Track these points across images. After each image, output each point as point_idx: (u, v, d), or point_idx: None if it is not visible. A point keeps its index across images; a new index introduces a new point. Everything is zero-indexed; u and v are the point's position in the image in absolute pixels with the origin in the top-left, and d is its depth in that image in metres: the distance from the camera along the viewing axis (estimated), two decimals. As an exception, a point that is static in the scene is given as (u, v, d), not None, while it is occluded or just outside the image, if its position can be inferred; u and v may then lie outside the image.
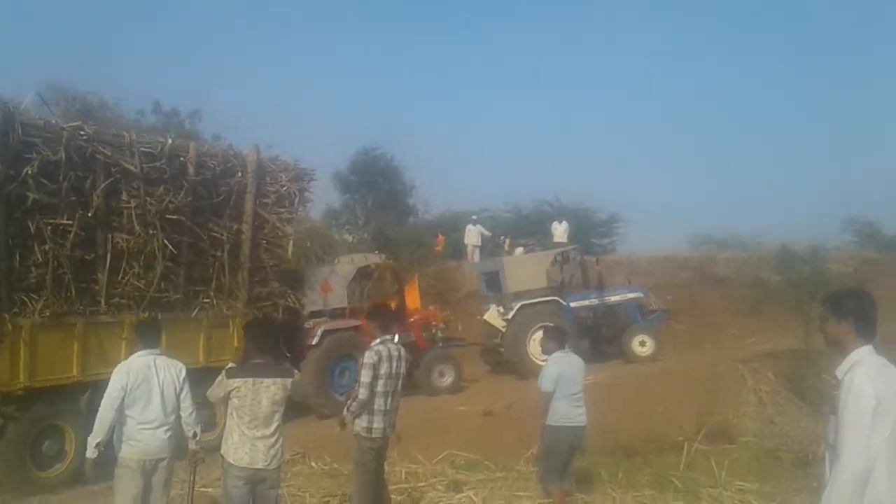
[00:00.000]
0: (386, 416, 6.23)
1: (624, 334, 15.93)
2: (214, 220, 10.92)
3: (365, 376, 6.13)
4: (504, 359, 15.81)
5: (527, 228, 27.08)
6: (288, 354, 10.89)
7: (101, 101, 24.61)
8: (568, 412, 6.90)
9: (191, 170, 10.49)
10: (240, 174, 11.15)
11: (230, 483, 5.28)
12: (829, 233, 31.82)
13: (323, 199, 24.17)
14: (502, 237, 22.17)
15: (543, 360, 14.40)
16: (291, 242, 11.98)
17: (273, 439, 5.30)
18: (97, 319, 9.63)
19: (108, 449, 5.62)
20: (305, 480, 8.65)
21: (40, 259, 9.01)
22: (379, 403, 6.17)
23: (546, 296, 15.99)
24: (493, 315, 15.98)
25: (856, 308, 3.61)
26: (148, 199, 9.99)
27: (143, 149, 9.98)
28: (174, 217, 10.34)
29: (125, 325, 9.76)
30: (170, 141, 10.33)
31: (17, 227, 8.84)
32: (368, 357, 6.19)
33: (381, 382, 6.15)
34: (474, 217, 21.67)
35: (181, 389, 5.77)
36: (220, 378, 5.36)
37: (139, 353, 5.79)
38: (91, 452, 5.48)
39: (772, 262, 20.42)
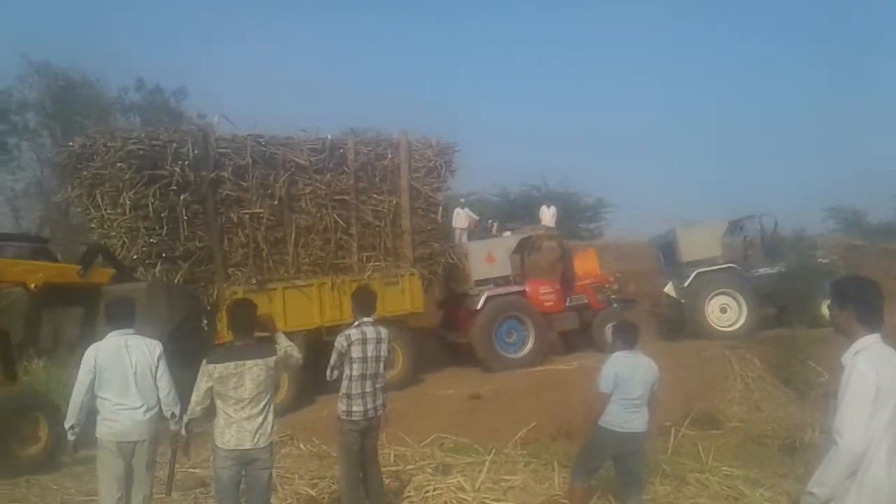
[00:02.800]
0: (365, 398, 6.15)
1: (810, 301, 15.53)
2: (375, 196, 13.18)
3: (332, 358, 6.14)
4: (683, 324, 16.18)
5: (514, 212, 26.83)
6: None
7: (83, 77, 26.01)
8: (620, 416, 6.24)
9: (350, 158, 12.84)
10: (390, 155, 13.31)
11: (219, 464, 5.21)
12: (814, 220, 30.09)
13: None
14: (490, 221, 22.20)
15: (721, 326, 15.08)
16: (441, 209, 13.88)
17: (261, 419, 5.21)
18: (292, 284, 12.26)
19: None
20: (294, 462, 8.55)
21: (243, 241, 11.81)
22: (356, 387, 6.11)
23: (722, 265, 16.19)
24: (670, 288, 16.67)
25: (857, 296, 3.61)
26: (318, 185, 12.47)
27: (309, 146, 12.49)
28: (341, 197, 12.76)
29: (314, 286, 12.41)
30: (329, 137, 12.73)
31: (223, 218, 11.69)
32: (337, 341, 6.13)
33: (355, 366, 6.08)
34: (462, 200, 21.23)
35: (157, 368, 5.61)
36: (202, 368, 5.24)
37: (110, 334, 5.63)
38: (69, 435, 5.48)
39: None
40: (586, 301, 15.77)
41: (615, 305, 15.95)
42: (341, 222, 12.76)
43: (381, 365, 6.25)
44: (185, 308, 11.15)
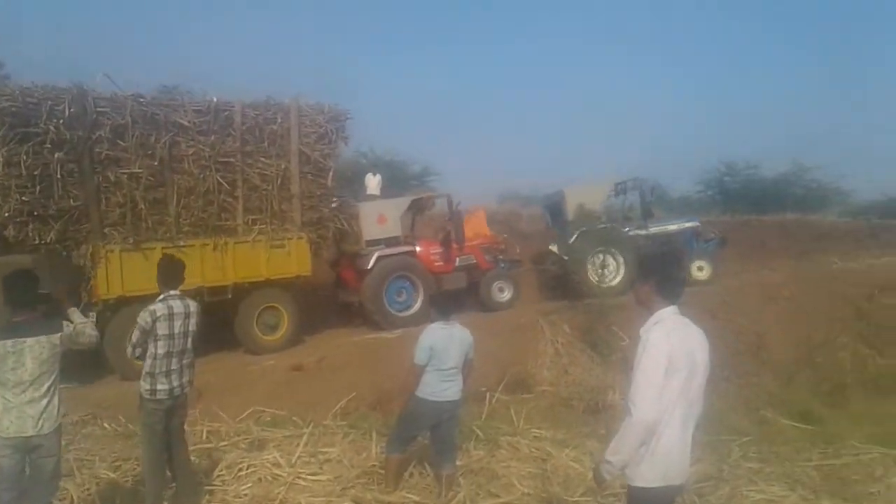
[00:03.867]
0: (171, 376, 5.94)
1: (682, 261, 16.48)
2: (263, 159, 13.27)
3: (133, 336, 5.92)
4: (566, 280, 16.89)
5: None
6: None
7: None
8: (435, 386, 6.36)
9: (237, 120, 12.90)
10: (280, 119, 13.39)
11: None
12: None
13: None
14: None
15: (604, 283, 15.92)
16: (332, 174, 14.05)
17: (45, 402, 4.85)
18: (173, 244, 12.37)
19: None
20: (96, 443, 8.20)
21: (120, 200, 11.89)
22: (161, 365, 5.89)
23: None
24: (555, 246, 17.47)
25: (658, 270, 3.81)
26: (201, 147, 12.53)
27: (193, 108, 12.51)
28: (226, 160, 12.85)
29: (196, 247, 12.56)
30: (214, 99, 12.75)
31: (99, 177, 11.74)
32: (140, 317, 5.87)
33: (160, 343, 5.86)
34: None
35: None
36: None
37: None
38: None
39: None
40: (475, 261, 16.24)
41: (502, 266, 16.54)
42: (225, 184, 12.83)
43: (189, 341, 6.05)
44: (68, 279, 11.19)
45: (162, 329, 5.85)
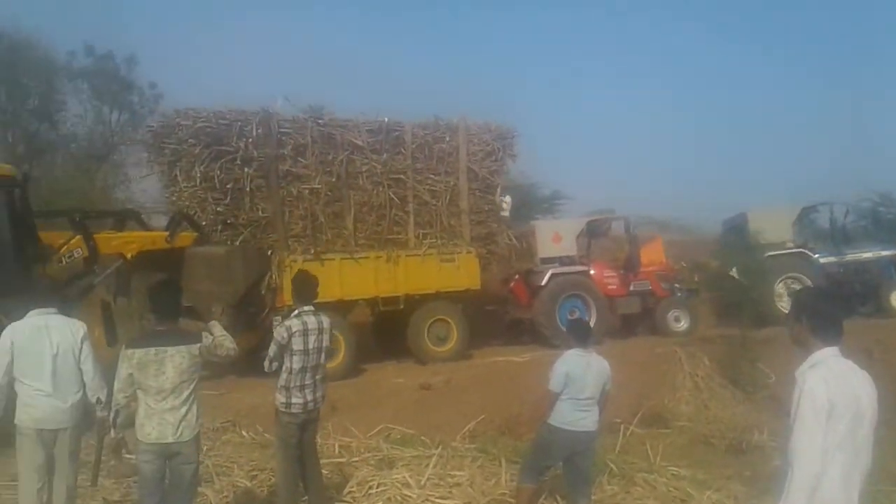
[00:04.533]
0: (305, 391, 5.98)
1: (880, 290, 15.87)
2: (432, 176, 13.83)
3: (270, 350, 5.96)
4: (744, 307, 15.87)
5: None
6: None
7: (27, 39, 25.80)
8: (570, 415, 6.12)
9: (407, 139, 13.63)
10: (448, 138, 13.94)
11: (141, 458, 4.95)
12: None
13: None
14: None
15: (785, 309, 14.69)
16: (499, 190, 14.30)
17: (184, 410, 4.92)
18: (350, 255, 13.16)
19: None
20: (234, 450, 8.32)
21: (302, 213, 12.88)
22: (296, 380, 5.93)
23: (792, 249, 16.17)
24: (735, 270, 16.37)
25: (813, 308, 3.47)
26: (374, 164, 13.33)
27: (366, 128, 13.38)
28: (397, 176, 13.54)
29: (371, 258, 13.27)
30: (386, 119, 13.56)
31: (283, 192, 12.83)
32: (277, 332, 5.96)
33: (295, 358, 5.90)
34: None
35: (80, 351, 5.23)
36: (121, 352, 4.97)
37: (30, 313, 5.27)
38: None
39: (711, 247, 18.03)
40: (650, 288, 15.94)
41: (679, 294, 16.02)
42: (397, 200, 13.50)
43: (323, 356, 6.07)
44: (259, 270, 12.37)
45: (297, 344, 5.88)
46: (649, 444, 9.11)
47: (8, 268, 8.95)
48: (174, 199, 12.76)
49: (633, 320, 16.06)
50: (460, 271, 13.91)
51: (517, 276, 15.76)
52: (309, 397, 5.99)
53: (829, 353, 3.34)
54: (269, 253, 12.68)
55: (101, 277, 10.78)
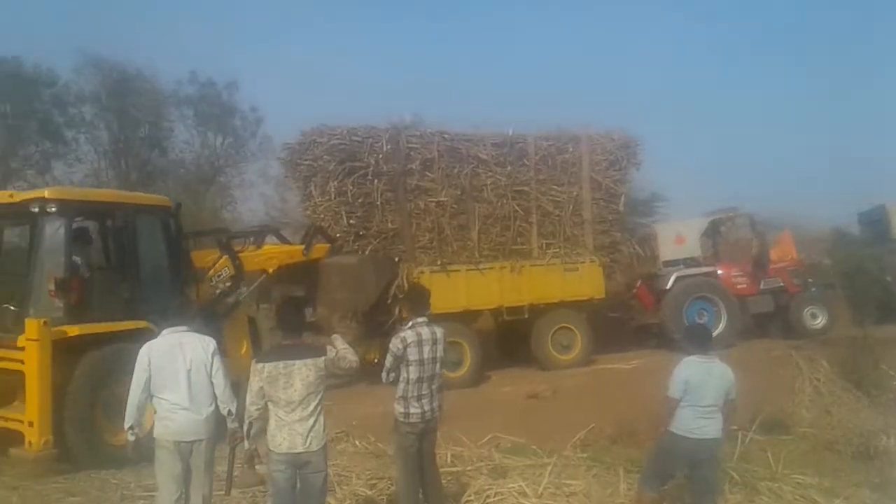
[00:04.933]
0: (422, 400, 6.04)
1: None
2: (555, 187, 13.96)
3: (387, 361, 6.06)
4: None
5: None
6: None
7: (137, 70, 26.94)
8: (691, 422, 6.02)
9: (531, 151, 13.78)
10: (571, 149, 14.03)
11: (273, 467, 5.14)
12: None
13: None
14: None
15: None
16: (623, 199, 14.27)
17: (312, 421, 5.11)
18: (475, 266, 13.35)
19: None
20: (350, 460, 8.36)
21: (429, 226, 13.17)
22: (413, 390, 6.00)
23: None
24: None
25: None
26: (499, 177, 13.53)
27: (491, 141, 13.62)
28: (521, 188, 13.72)
29: (495, 269, 13.49)
30: (510, 132, 13.79)
31: (411, 205, 13.13)
32: (392, 344, 6.04)
33: (411, 369, 5.97)
34: None
35: (211, 365, 5.52)
36: (252, 366, 5.21)
37: (164, 331, 5.64)
38: (129, 436, 5.41)
39: (824, 245, 17.41)
40: (782, 284, 15.46)
41: (813, 289, 15.47)
42: (521, 211, 13.71)
43: (438, 366, 6.14)
44: (389, 277, 12.80)
45: (413, 355, 5.97)
46: (770, 451, 8.84)
47: (167, 291, 9.41)
48: (309, 213, 13.24)
49: (765, 320, 15.58)
50: (584, 280, 13.96)
51: (640, 282, 15.67)
52: (426, 407, 6.07)
53: None
54: (397, 260, 12.99)
55: (246, 293, 11.17)
